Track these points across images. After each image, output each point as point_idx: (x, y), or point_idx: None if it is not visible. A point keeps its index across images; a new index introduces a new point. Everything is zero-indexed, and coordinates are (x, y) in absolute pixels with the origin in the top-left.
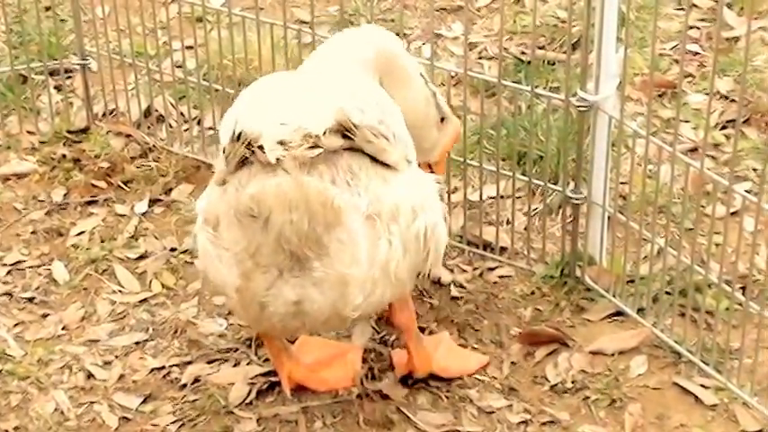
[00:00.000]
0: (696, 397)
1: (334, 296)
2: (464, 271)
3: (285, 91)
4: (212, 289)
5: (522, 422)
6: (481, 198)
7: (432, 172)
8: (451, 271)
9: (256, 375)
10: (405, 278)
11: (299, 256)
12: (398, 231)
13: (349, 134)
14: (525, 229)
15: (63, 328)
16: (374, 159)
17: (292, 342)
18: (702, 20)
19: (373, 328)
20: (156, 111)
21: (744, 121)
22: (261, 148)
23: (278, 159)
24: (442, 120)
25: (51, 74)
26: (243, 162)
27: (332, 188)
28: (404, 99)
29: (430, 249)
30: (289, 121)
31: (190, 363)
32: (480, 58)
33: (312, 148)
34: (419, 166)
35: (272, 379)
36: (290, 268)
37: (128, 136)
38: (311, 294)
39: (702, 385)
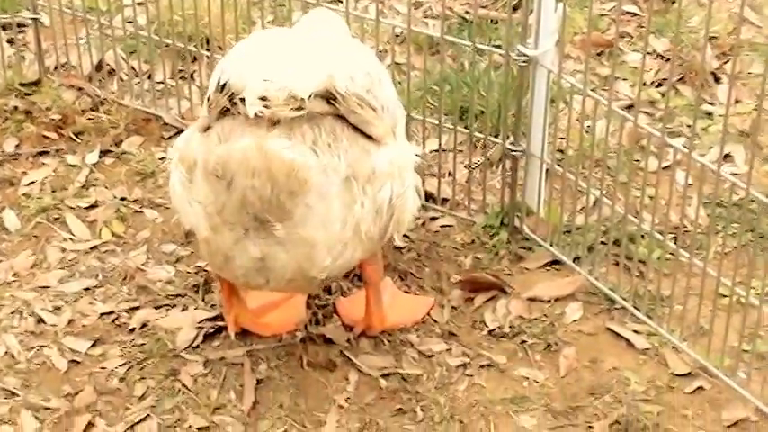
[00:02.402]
0: (628, 341)
1: (300, 257)
2: None
3: (278, 48)
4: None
5: (461, 365)
6: (424, 151)
7: None
8: None
9: (203, 320)
10: (375, 239)
11: (263, 220)
12: (372, 194)
13: (334, 102)
14: (466, 180)
15: (14, 275)
16: (358, 129)
17: None
18: None
19: None
20: (108, 65)
21: (678, 80)
22: (243, 101)
23: (257, 115)
24: None
25: (3, 28)
26: (226, 111)
27: (298, 159)
28: None
29: (393, 215)
30: (275, 78)
31: (138, 308)
32: (425, 17)
33: (294, 109)
34: None
35: (219, 323)
36: (256, 228)
37: (79, 89)
38: (276, 253)
39: (635, 330)
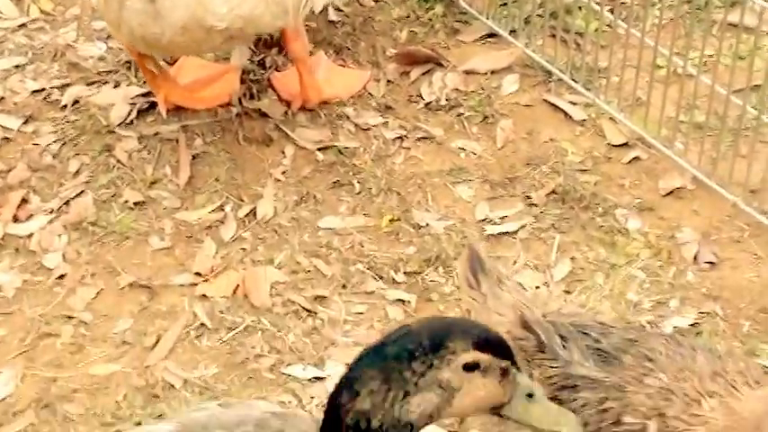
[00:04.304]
0: (565, 113)
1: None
2: None
3: None
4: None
5: (398, 137)
6: None
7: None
8: None
9: (136, 96)
10: (287, 6)
11: None
12: None
13: None
14: None
15: None
16: None
17: (171, 65)
18: None
19: (251, 49)
20: None
21: None
22: None
23: None
24: None
25: None
26: None
27: None
28: None
29: None
30: None
31: (70, 85)
32: None
33: None
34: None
35: (153, 99)
36: None
37: None
38: None
39: (572, 102)
